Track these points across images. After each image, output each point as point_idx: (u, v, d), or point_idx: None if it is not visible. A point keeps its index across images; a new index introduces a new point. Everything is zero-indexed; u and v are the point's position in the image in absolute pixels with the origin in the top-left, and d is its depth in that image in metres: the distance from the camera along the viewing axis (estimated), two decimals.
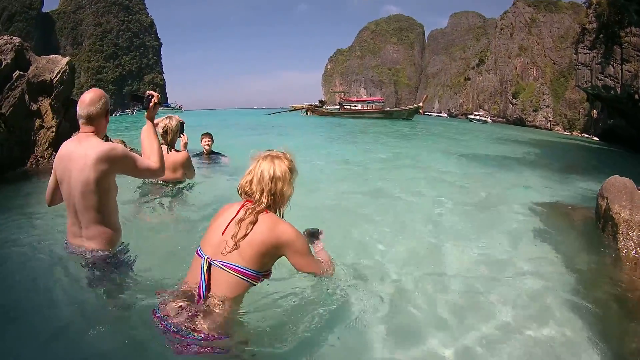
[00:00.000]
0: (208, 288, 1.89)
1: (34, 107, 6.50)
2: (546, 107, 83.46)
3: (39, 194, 4.02)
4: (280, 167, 2.06)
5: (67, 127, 6.80)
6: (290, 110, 61.08)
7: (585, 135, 54.07)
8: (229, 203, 2.13)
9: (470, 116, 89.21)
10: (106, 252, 2.46)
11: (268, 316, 2.15)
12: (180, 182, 4.63)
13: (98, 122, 2.45)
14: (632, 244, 3.84)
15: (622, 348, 2.54)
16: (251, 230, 1.92)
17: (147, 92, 2.80)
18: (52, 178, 2.52)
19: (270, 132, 21.62)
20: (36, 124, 6.51)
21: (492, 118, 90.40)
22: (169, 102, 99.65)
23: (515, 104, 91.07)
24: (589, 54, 32.76)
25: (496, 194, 6.73)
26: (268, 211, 2.02)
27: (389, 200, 5.91)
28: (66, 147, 2.43)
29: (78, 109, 2.42)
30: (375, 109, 58.86)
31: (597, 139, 41.41)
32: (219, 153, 7.10)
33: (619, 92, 27.68)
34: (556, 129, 75.76)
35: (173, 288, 2.02)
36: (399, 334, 2.46)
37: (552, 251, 4.01)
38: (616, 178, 4.38)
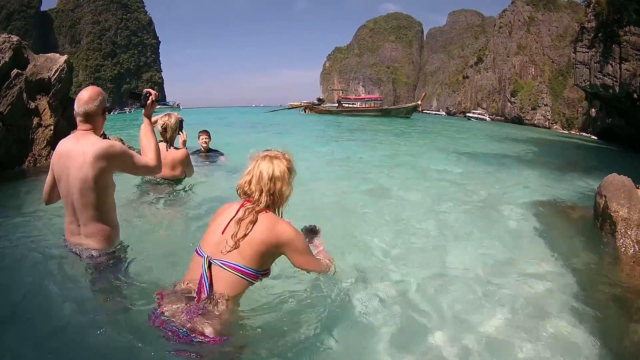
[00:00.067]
0: (211, 287, 1.89)
1: (32, 105, 6.48)
2: (544, 105, 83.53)
3: (37, 193, 4.01)
4: (279, 167, 2.06)
5: (65, 126, 6.77)
6: (288, 108, 60.95)
7: (584, 134, 54.06)
8: (228, 202, 2.13)
9: (468, 114, 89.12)
10: (104, 251, 2.46)
11: (268, 317, 2.15)
12: (179, 180, 4.62)
13: (95, 120, 2.44)
14: (630, 242, 3.85)
15: (621, 347, 2.55)
16: (251, 229, 1.93)
17: (145, 89, 2.81)
18: (49, 176, 2.51)
19: (268, 130, 21.59)
20: (34, 122, 6.50)
21: (491, 116, 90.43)
22: (167, 100, 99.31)
23: (514, 103, 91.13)
24: (587, 52, 32.75)
25: (495, 193, 6.73)
26: (267, 211, 2.02)
27: (389, 198, 5.91)
28: (64, 145, 2.43)
29: (75, 106, 2.41)
30: (374, 106, 58.82)
31: (596, 138, 41.40)
32: (216, 151, 7.09)
33: (617, 91, 27.67)
34: (554, 127, 75.83)
35: (172, 287, 2.02)
36: (399, 335, 2.45)
37: (550, 250, 4.01)
38: (614, 176, 4.38)
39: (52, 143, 6.38)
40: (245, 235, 1.92)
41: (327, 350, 2.13)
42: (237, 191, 2.12)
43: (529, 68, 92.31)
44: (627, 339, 2.65)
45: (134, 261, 2.59)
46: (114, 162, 2.41)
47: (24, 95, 6.32)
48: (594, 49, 31.39)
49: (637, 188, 4.23)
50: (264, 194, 2.02)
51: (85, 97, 2.40)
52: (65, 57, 7.42)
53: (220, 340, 1.79)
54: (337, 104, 64.07)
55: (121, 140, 6.73)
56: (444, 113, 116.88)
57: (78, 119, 2.41)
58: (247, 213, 1.98)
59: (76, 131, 2.44)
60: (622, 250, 3.82)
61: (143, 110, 2.82)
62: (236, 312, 1.96)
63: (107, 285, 2.41)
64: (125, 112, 79.51)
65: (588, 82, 32.68)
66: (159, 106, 3.04)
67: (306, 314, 2.21)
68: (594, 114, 48.12)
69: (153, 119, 4.09)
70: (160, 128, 4.34)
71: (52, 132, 6.56)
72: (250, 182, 2.05)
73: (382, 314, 2.64)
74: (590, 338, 2.52)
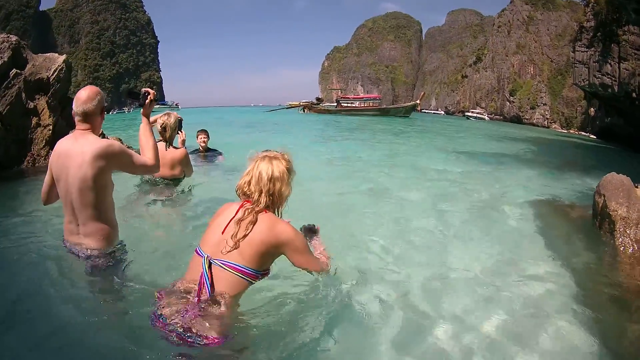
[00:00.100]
0: (212, 287, 1.89)
1: (31, 105, 6.47)
2: (543, 104, 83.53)
3: (36, 193, 3.99)
4: (278, 168, 2.06)
5: (64, 126, 6.76)
6: (287, 108, 60.99)
7: (583, 133, 54.07)
8: (228, 202, 2.13)
9: (467, 114, 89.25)
10: (104, 250, 2.46)
11: (268, 317, 2.15)
12: (178, 180, 4.61)
13: (94, 120, 2.44)
14: (629, 241, 3.85)
15: (620, 346, 2.55)
16: (251, 230, 1.93)
17: (144, 89, 2.81)
18: (48, 176, 2.51)
19: (267, 130, 21.59)
20: (33, 122, 6.49)
21: (490, 116, 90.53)
22: (165, 100, 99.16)
23: (513, 102, 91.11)
24: (586, 52, 32.80)
25: (495, 192, 6.73)
26: (267, 211, 2.02)
27: (388, 198, 5.91)
28: (62, 144, 2.42)
29: (74, 106, 2.41)
30: (373, 106, 58.89)
31: (595, 137, 41.41)
32: (215, 150, 7.07)
33: (616, 91, 27.71)
34: (553, 126, 75.82)
35: (172, 287, 2.01)
36: (399, 335, 2.45)
37: (549, 249, 4.02)
38: (613, 175, 4.39)
39: (51, 143, 6.37)
40: (245, 235, 1.92)
41: (327, 351, 2.13)
42: (236, 191, 2.12)
43: (527, 67, 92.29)
44: (626, 338, 2.66)
45: (133, 261, 2.59)
46: (113, 161, 2.41)
47: (23, 95, 6.31)
48: (592, 49, 31.43)
49: (636, 187, 4.24)
50: (263, 194, 2.02)
51: (84, 97, 2.40)
52: (64, 56, 7.41)
53: (221, 341, 1.79)
54: (335, 104, 64.17)
55: (120, 139, 6.72)
56: (442, 112, 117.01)
57: (76, 118, 2.41)
58: (246, 213, 1.98)
59: (75, 131, 2.44)
60: (621, 249, 3.83)
61: (142, 110, 2.82)
62: (236, 313, 1.96)
63: (107, 285, 2.41)
64: (124, 111, 79.43)
65: (587, 82, 32.73)
66: (158, 106, 3.03)
67: (306, 314, 2.21)
68: (592, 113, 48.14)
69: (152, 118, 4.09)
70: (159, 127, 4.32)
71: (50, 132, 6.56)
72: (249, 183, 2.06)
73: (382, 314, 2.64)
74: (590, 337, 2.52)
